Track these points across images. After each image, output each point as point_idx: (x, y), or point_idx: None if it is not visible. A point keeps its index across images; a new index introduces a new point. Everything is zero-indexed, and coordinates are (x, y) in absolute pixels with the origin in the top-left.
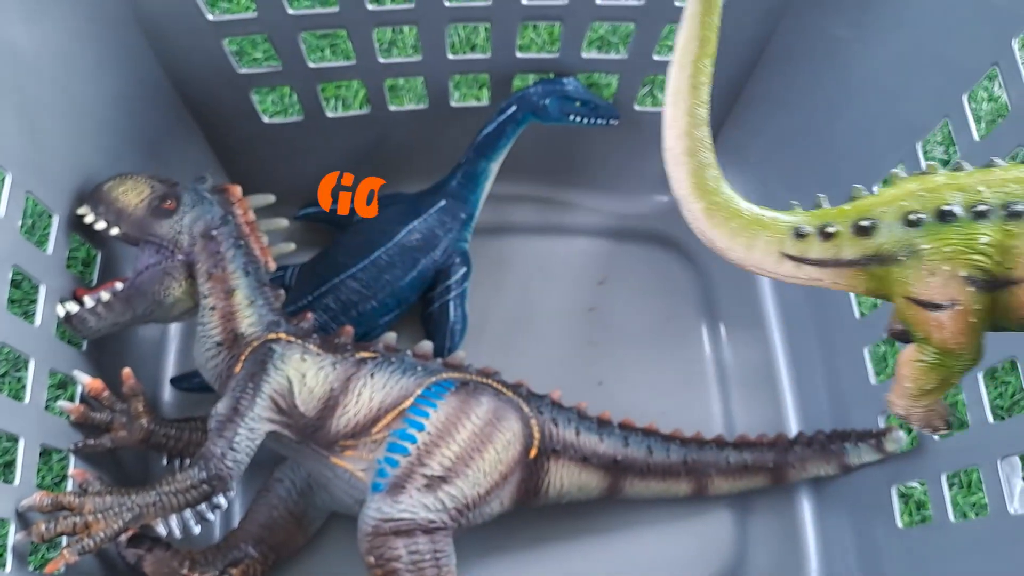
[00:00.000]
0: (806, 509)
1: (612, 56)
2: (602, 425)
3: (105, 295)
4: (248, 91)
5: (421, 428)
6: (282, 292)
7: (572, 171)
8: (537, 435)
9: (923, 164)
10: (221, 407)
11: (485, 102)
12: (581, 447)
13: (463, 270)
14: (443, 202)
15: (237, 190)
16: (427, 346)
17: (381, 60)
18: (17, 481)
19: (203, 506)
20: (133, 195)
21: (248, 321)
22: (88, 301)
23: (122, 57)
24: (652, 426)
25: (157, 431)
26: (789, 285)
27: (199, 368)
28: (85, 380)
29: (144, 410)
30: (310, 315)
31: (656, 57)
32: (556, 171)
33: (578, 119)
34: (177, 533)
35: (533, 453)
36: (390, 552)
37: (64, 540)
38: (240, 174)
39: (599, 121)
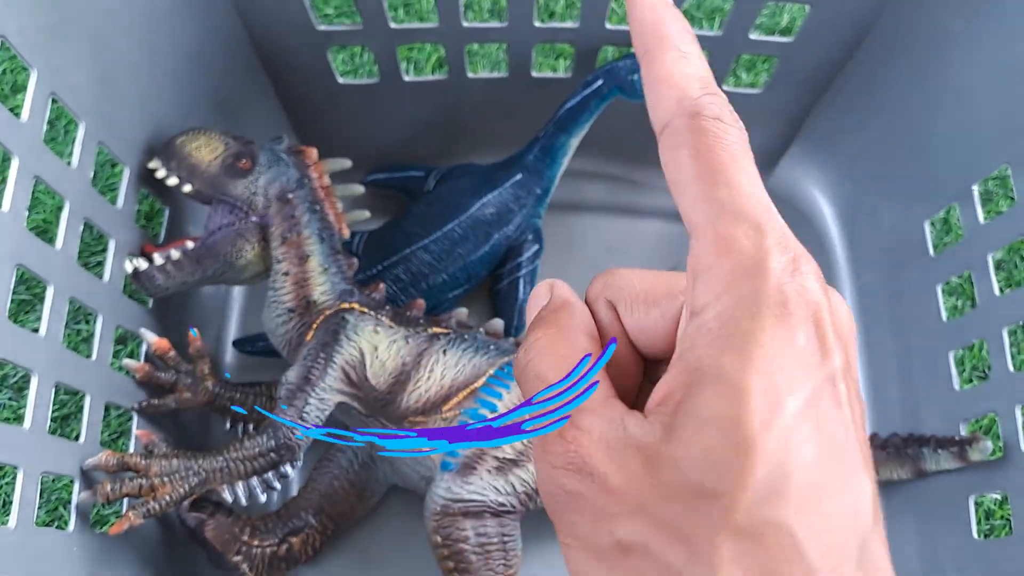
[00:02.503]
0: None
1: (706, 32)
2: None
3: (175, 253)
4: (325, 49)
5: (493, 409)
6: (355, 261)
7: (649, 150)
8: None
9: None
10: (292, 375)
11: (562, 73)
12: None
13: (535, 248)
14: (519, 176)
15: (313, 153)
16: (498, 324)
17: (465, 24)
18: (82, 439)
19: (270, 474)
20: (207, 151)
21: (321, 289)
22: (157, 258)
23: (199, 6)
24: None
25: (222, 394)
26: (867, 279)
27: (268, 333)
28: (152, 339)
29: (209, 372)
30: (382, 286)
31: (753, 36)
32: (632, 149)
33: None
34: (243, 500)
35: None
36: (458, 533)
37: (126, 502)
38: (310, 136)
39: None
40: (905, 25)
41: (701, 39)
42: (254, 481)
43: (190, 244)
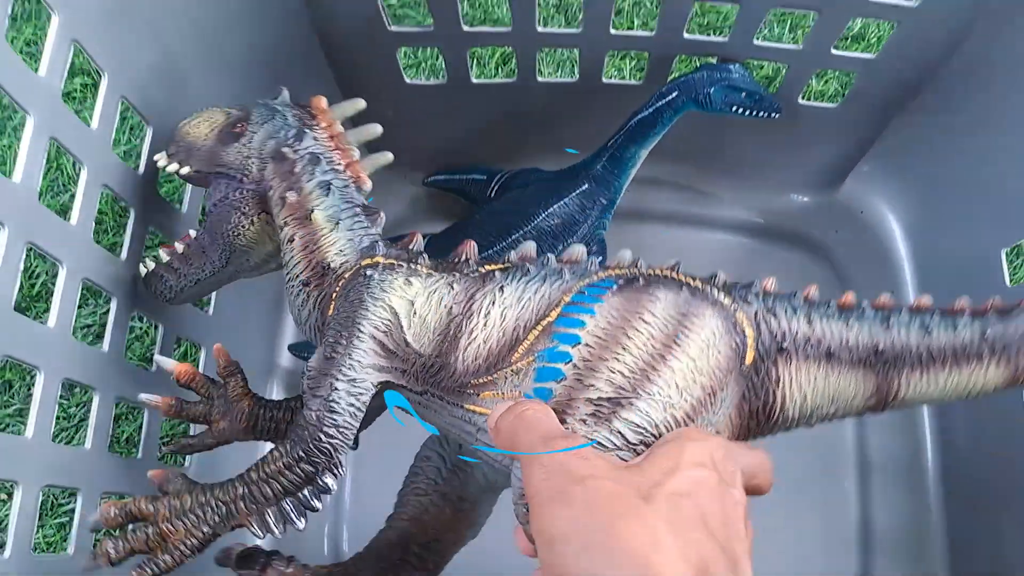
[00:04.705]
0: None
1: (786, 46)
2: (844, 308)
3: (180, 246)
4: (395, 49)
5: (575, 341)
6: (381, 215)
7: (717, 159)
8: (751, 331)
9: None
10: (313, 361)
11: (634, 80)
12: (820, 338)
13: (599, 259)
14: (585, 186)
15: (321, 101)
16: (578, 250)
17: (540, 29)
18: (88, 445)
19: (305, 492)
20: (205, 126)
21: (335, 247)
22: (163, 255)
23: (270, 5)
24: (924, 302)
25: (262, 414)
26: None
27: (297, 325)
28: (170, 366)
29: (243, 391)
30: (418, 236)
31: (835, 51)
32: (700, 157)
33: (741, 111)
34: (276, 532)
35: (750, 357)
36: None
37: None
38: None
39: (761, 114)
40: (992, 46)
41: (782, 53)
42: (287, 504)
43: (193, 233)
